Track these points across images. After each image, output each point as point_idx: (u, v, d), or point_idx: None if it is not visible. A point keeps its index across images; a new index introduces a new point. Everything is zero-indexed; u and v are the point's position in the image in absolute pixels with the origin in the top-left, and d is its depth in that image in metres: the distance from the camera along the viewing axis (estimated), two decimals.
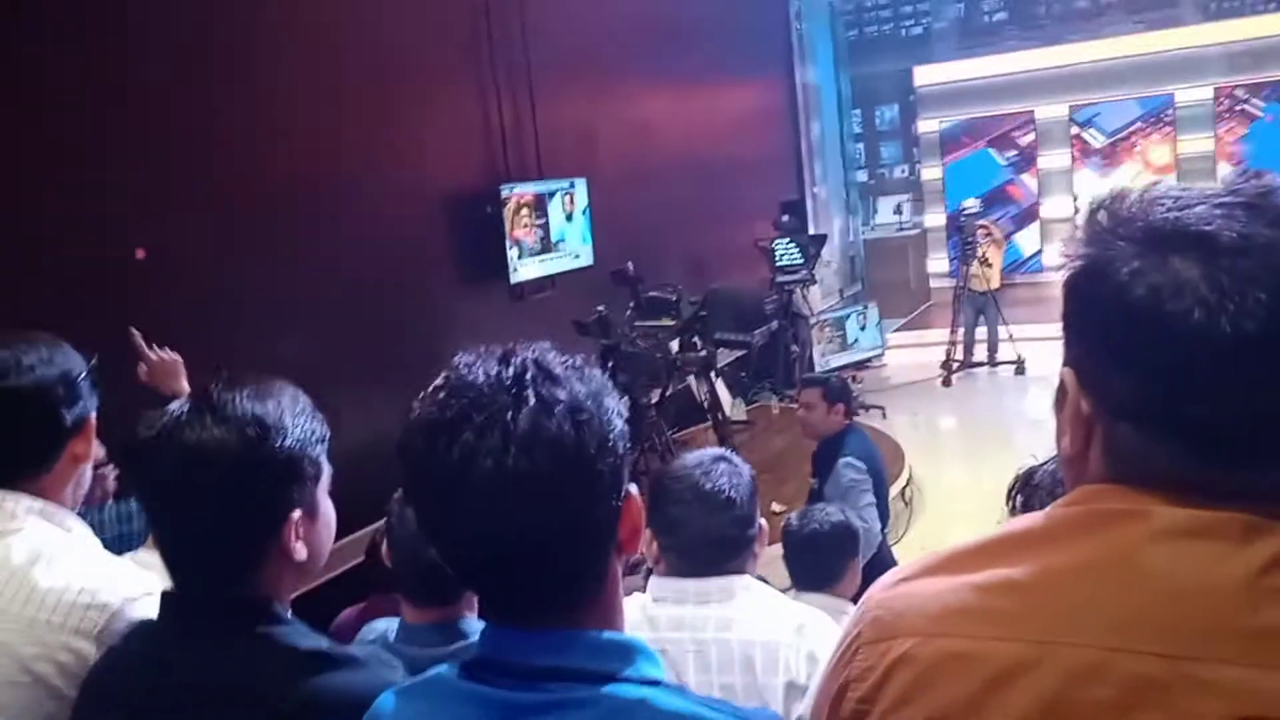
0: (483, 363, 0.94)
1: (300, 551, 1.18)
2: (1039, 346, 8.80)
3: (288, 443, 1.16)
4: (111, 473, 2.88)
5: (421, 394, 0.95)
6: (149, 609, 1.25)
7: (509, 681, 0.93)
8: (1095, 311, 0.83)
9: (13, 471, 1.38)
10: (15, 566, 1.31)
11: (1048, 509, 0.87)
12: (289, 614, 1.19)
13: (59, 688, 1.26)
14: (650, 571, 1.94)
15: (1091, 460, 0.86)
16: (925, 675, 0.83)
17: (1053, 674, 0.77)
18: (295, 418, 1.19)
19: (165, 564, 1.18)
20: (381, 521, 2.03)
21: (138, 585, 1.34)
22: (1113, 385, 0.82)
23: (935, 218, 12.88)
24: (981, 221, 9.65)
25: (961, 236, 9.55)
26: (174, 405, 1.15)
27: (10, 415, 1.36)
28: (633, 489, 0.98)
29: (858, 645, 0.90)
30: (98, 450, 2.72)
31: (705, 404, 6.69)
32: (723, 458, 1.89)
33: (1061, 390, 0.88)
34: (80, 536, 1.42)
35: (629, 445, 0.97)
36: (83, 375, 1.44)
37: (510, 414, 0.88)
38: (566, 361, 0.96)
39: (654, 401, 6.24)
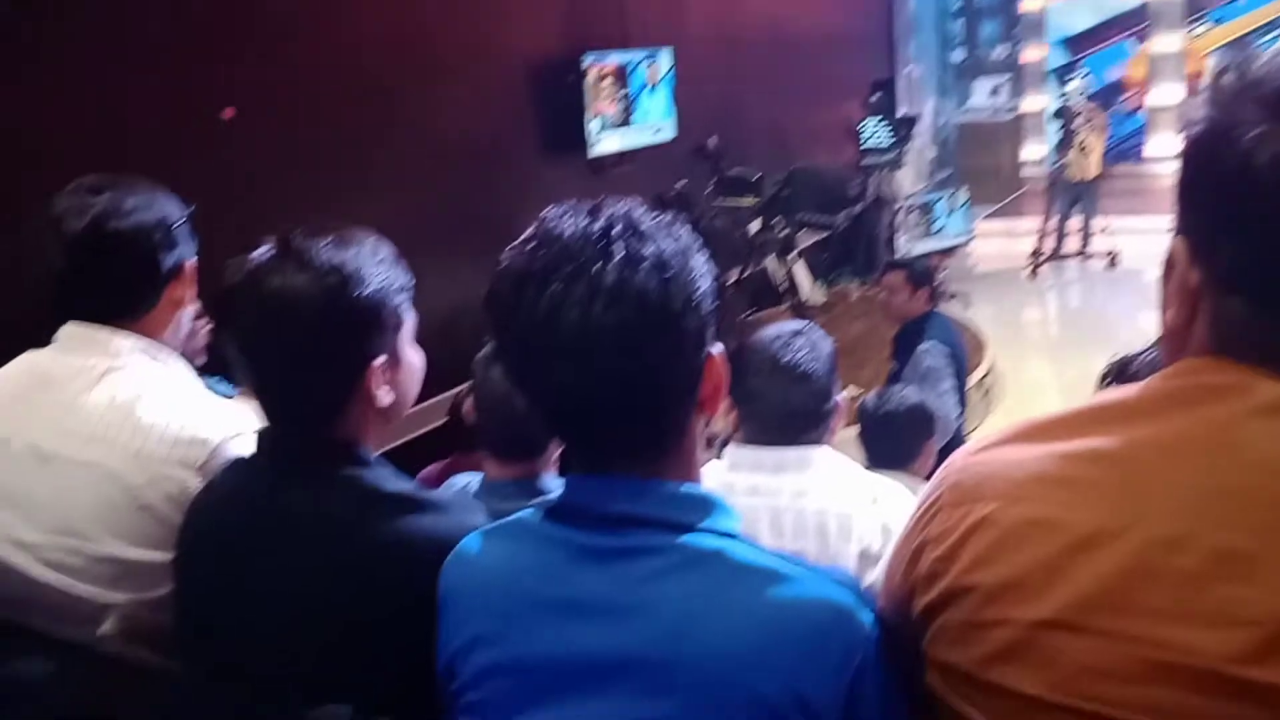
0: (572, 216, 0.94)
1: (384, 397, 1.21)
2: (1134, 239, 8.49)
3: (368, 291, 1.18)
4: (204, 326, 2.99)
5: (511, 245, 0.96)
6: (247, 446, 1.30)
7: (588, 526, 0.96)
8: (1213, 178, 0.79)
9: (116, 313, 1.44)
10: (122, 401, 1.37)
11: (1144, 382, 0.85)
12: (375, 457, 1.23)
13: (165, 514, 1.33)
14: (726, 444, 1.96)
15: (1195, 335, 0.83)
16: (1005, 539, 0.83)
17: (1134, 542, 0.76)
18: (375, 266, 1.20)
19: (258, 402, 1.22)
20: (465, 383, 2.07)
21: (237, 423, 1.40)
22: (1225, 256, 0.79)
23: (1034, 101, 12.33)
24: (1083, 106, 9.22)
25: (1061, 121, 9.15)
26: (257, 252, 1.18)
27: (111, 258, 1.41)
28: (717, 348, 0.99)
29: (937, 508, 0.91)
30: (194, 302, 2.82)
31: (783, 286, 6.64)
32: (802, 331, 1.89)
33: (1170, 261, 0.85)
34: (182, 376, 1.48)
35: (715, 303, 0.97)
36: (180, 221, 1.48)
37: (597, 266, 0.89)
38: (655, 218, 0.96)
39: (731, 281, 6.20)
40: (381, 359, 1.21)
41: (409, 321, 1.27)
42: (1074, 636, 0.77)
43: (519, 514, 1.05)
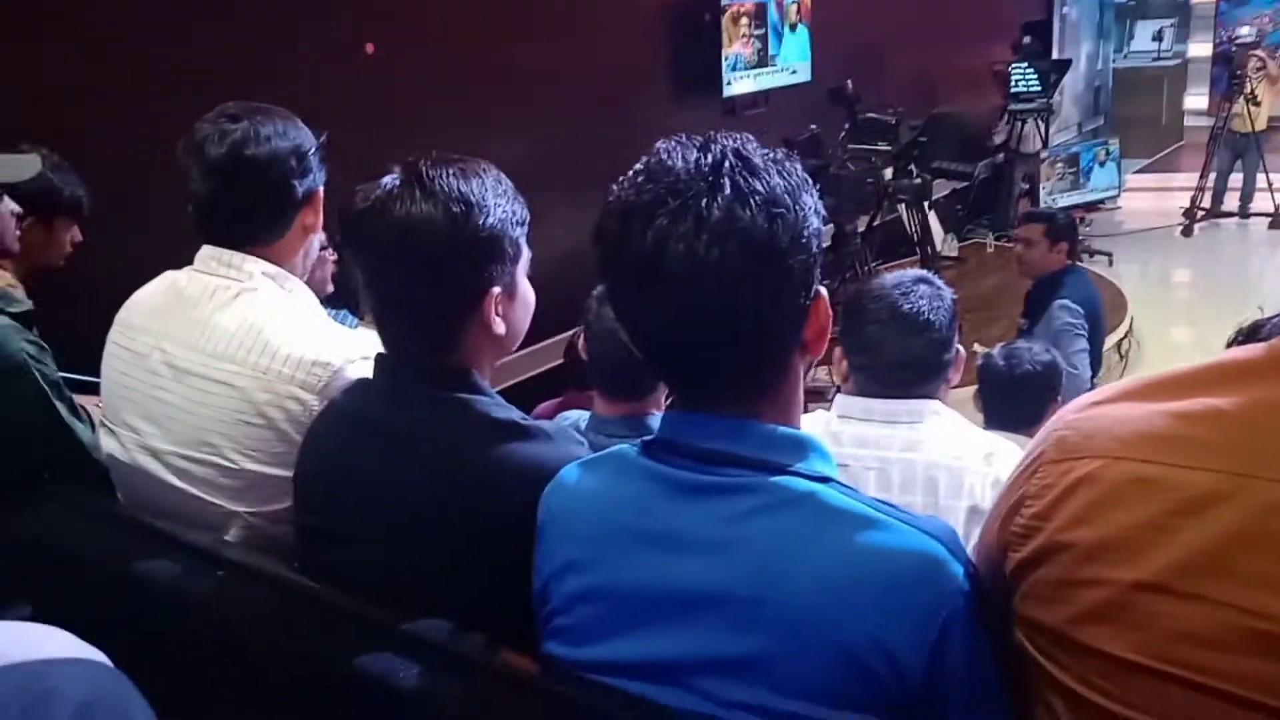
0: (683, 150, 0.93)
1: (499, 326, 1.24)
2: None
3: (490, 221, 1.20)
4: (331, 256, 3.10)
5: (622, 178, 0.96)
6: (366, 370, 1.35)
7: (684, 462, 0.97)
8: None
9: (248, 237, 1.50)
10: (252, 322, 1.44)
11: (1272, 340, 0.80)
12: (487, 385, 1.26)
13: (287, 431, 1.40)
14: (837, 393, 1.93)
15: None
16: (1106, 496, 0.80)
17: (1245, 507, 0.72)
18: (498, 198, 1.22)
19: (378, 329, 1.27)
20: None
21: (357, 349, 1.46)
22: None
23: (1200, 47, 11.54)
24: (1255, 51, 8.58)
25: (1229, 68, 8.54)
26: (386, 179, 1.21)
27: (247, 183, 1.47)
28: (823, 290, 0.97)
29: (1040, 463, 0.88)
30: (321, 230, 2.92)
31: (915, 236, 6.44)
32: (924, 279, 1.83)
33: None
34: (307, 302, 1.54)
35: (822, 245, 0.95)
36: (314, 150, 1.52)
37: (705, 201, 0.88)
38: (768, 154, 0.94)
39: (860, 230, 6.06)
40: (498, 289, 1.24)
41: (525, 255, 1.30)
42: (1172, 600, 0.74)
43: (619, 447, 1.06)
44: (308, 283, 1.60)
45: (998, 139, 7.88)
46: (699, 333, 0.92)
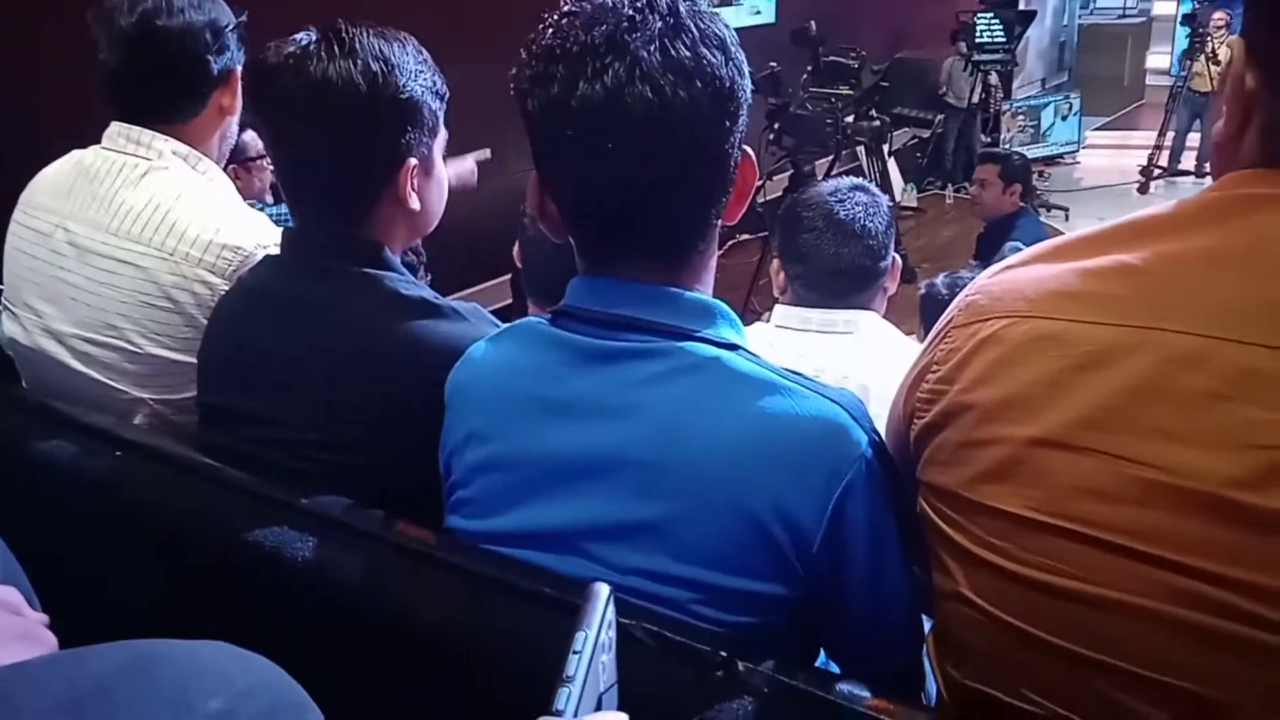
0: None
1: (413, 200, 1.19)
2: None
3: (411, 85, 1.15)
4: (269, 165, 3.00)
5: (546, 22, 0.90)
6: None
7: (590, 329, 0.93)
8: None
9: (159, 114, 1.43)
10: (159, 201, 1.38)
11: (1183, 198, 0.78)
12: (398, 262, 1.22)
13: (194, 316, 1.35)
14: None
15: (1245, 144, 0.76)
16: (1010, 354, 0.78)
17: (1148, 359, 0.70)
18: (419, 65, 1.17)
19: (286, 197, 1.21)
20: None
21: (270, 234, 1.40)
22: None
23: (1165, 5, 11.55)
24: (1219, 11, 8.59)
25: (1192, 27, 8.55)
26: (301, 35, 1.15)
27: (158, 57, 1.40)
28: (749, 150, 0.94)
29: (949, 329, 0.86)
30: (256, 143, 2.84)
31: (874, 183, 6.42)
32: (860, 187, 1.81)
33: (1228, 66, 0.77)
34: (220, 185, 1.48)
35: (750, 103, 0.91)
36: (231, 26, 1.45)
37: (669, 40, 0.84)
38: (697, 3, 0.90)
39: (819, 176, 6.02)
40: (414, 161, 1.19)
41: (442, 133, 1.25)
42: (1068, 455, 0.73)
43: (528, 318, 1.03)
44: (243, 192, 1.54)
45: (946, 89, 7.84)
46: (644, 183, 0.87)
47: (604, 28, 0.85)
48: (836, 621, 0.93)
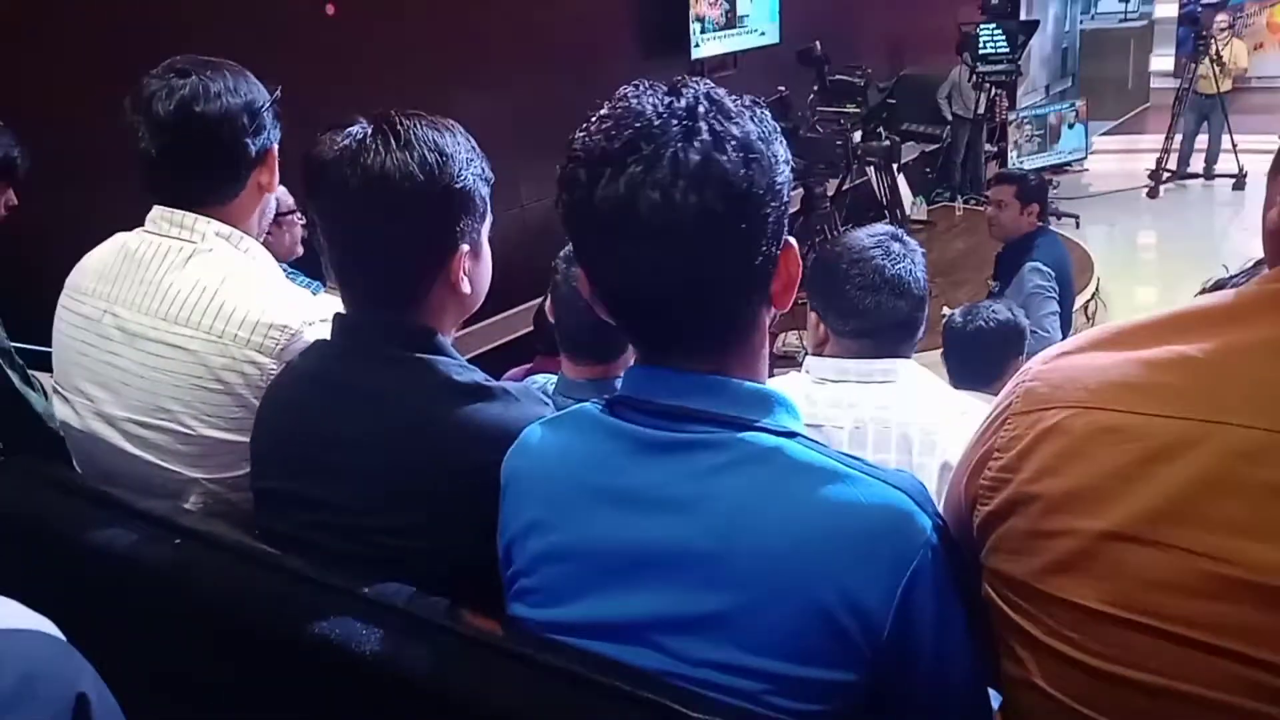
0: (651, 93, 0.90)
1: (465, 285, 1.21)
2: (1266, 160, 7.93)
3: (464, 174, 1.17)
4: (299, 221, 3.03)
5: (584, 124, 0.93)
6: (325, 334, 1.32)
7: (648, 419, 0.95)
8: None
9: (200, 197, 1.45)
10: (205, 284, 1.40)
11: (1239, 287, 0.79)
12: (450, 346, 1.24)
13: (244, 396, 1.37)
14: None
15: None
16: (1075, 446, 0.79)
17: (1214, 452, 0.72)
18: (469, 154, 1.20)
19: (340, 285, 1.23)
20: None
21: (315, 311, 1.42)
22: None
23: (1166, 8, 11.55)
24: (1222, 13, 8.60)
25: (1195, 29, 8.56)
26: (354, 128, 1.17)
27: (197, 143, 1.42)
28: (792, 241, 0.95)
29: (1008, 415, 0.87)
30: (286, 198, 2.87)
31: (884, 199, 6.44)
32: (897, 237, 1.82)
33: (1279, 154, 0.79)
34: (264, 263, 1.50)
35: (791, 194, 0.93)
36: (267, 106, 1.48)
37: (680, 146, 0.85)
38: (739, 99, 0.92)
39: (829, 194, 6.04)
40: (466, 247, 1.21)
41: (489, 218, 1.27)
42: (1140, 549, 0.74)
43: (581, 405, 1.04)
44: (274, 248, 1.56)
45: (946, 105, 7.85)
46: (671, 285, 0.89)
47: (628, 133, 0.87)
48: (905, 703, 0.94)
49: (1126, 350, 0.81)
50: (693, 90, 0.90)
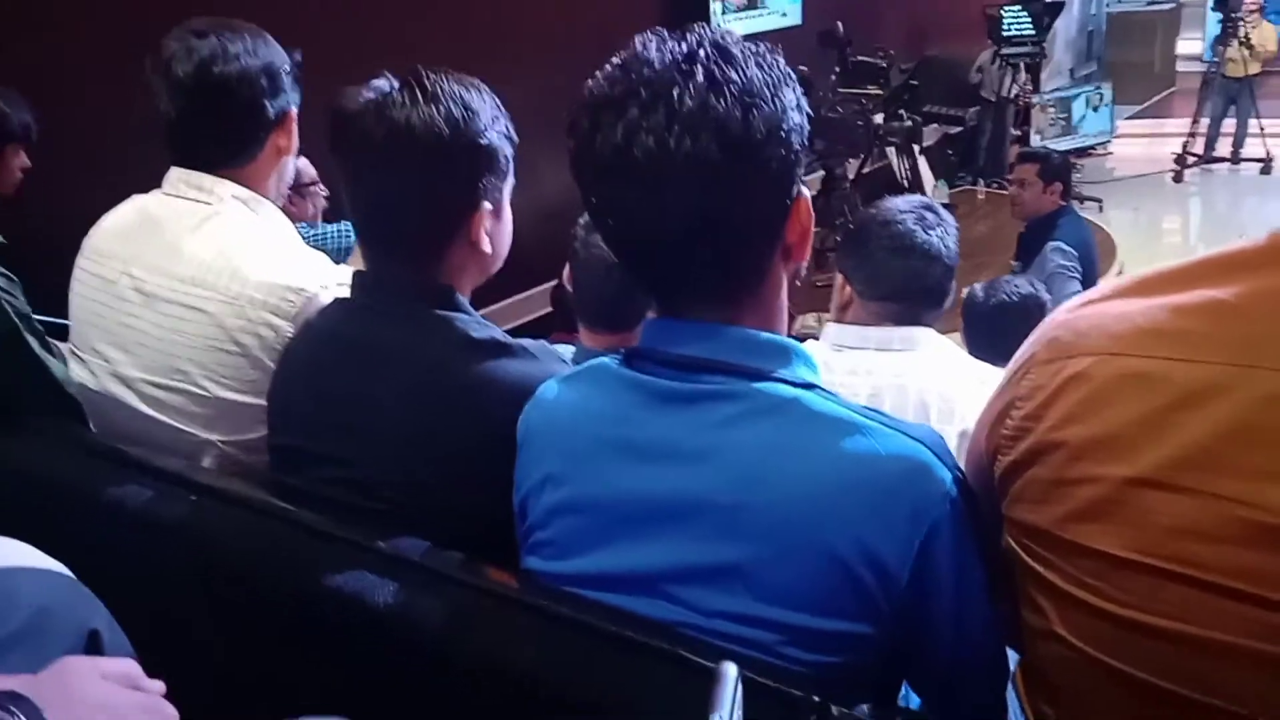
0: (659, 41, 0.89)
1: (485, 243, 1.21)
2: None
3: (489, 132, 1.17)
4: (321, 191, 3.03)
5: (596, 72, 0.92)
6: (341, 295, 1.31)
7: (664, 370, 0.94)
8: None
9: (218, 159, 1.45)
10: (222, 246, 1.39)
11: (1274, 230, 0.77)
12: (468, 304, 1.23)
13: (260, 358, 1.37)
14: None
15: None
16: (1099, 393, 0.77)
17: (1244, 398, 0.70)
18: (495, 111, 1.19)
19: (360, 241, 1.23)
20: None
21: (333, 275, 1.42)
22: None
23: None
24: None
25: (1224, 12, 8.43)
26: (380, 81, 1.16)
27: (216, 104, 1.42)
28: (805, 191, 0.94)
29: (1031, 365, 0.85)
30: (309, 169, 2.87)
31: (905, 182, 6.38)
32: (930, 207, 1.81)
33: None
34: (280, 227, 1.50)
35: (805, 142, 0.91)
36: (287, 68, 1.47)
37: (677, 91, 0.84)
38: (748, 46, 0.90)
39: (850, 176, 5.99)
40: (489, 205, 1.20)
41: (511, 180, 1.26)
42: (1168, 495, 0.72)
43: (600, 359, 1.03)
44: (296, 218, 1.56)
45: (978, 82, 7.76)
46: (671, 231, 0.88)
47: (631, 78, 0.87)
48: (922, 657, 0.93)
49: (1154, 296, 0.79)
50: (698, 36, 0.89)
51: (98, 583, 0.93)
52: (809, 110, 0.92)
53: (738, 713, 0.59)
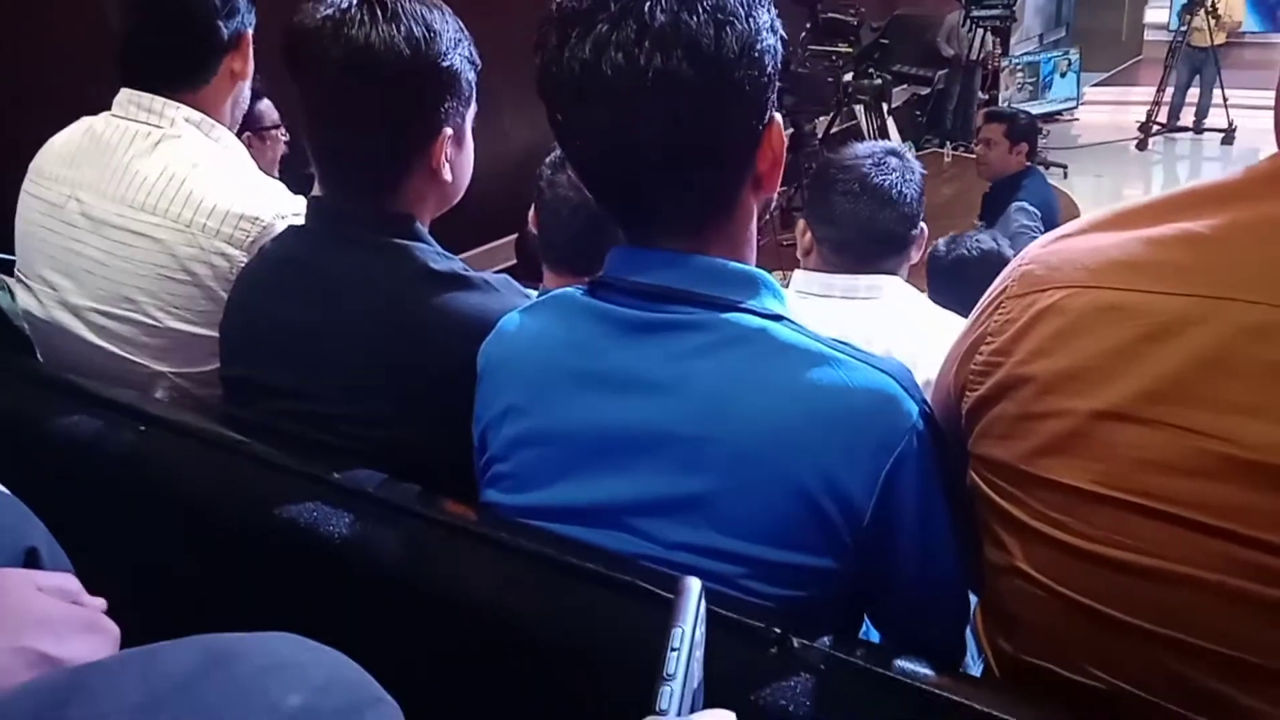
0: None
1: (446, 171, 1.17)
2: (1256, 116, 7.93)
3: (451, 55, 1.13)
4: (282, 136, 2.95)
5: None
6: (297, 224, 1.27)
7: (630, 300, 0.91)
8: None
9: (170, 80, 1.40)
10: (174, 171, 1.35)
11: (1250, 165, 0.77)
12: (428, 234, 1.20)
13: (213, 289, 1.33)
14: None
15: None
16: (1072, 325, 0.76)
17: (1217, 330, 0.69)
18: (458, 33, 1.15)
19: (316, 166, 1.18)
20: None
21: (290, 204, 1.38)
22: None
23: None
24: None
25: None
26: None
27: (167, 21, 1.37)
28: (777, 117, 0.91)
29: (1002, 299, 0.84)
30: (271, 112, 2.79)
31: (874, 140, 6.38)
32: (894, 152, 1.78)
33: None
34: (236, 153, 1.45)
35: (779, 65, 0.88)
36: None
37: (648, 6, 0.81)
38: None
39: (819, 135, 5.97)
40: (449, 131, 1.16)
41: (473, 105, 1.22)
42: (1134, 428, 0.71)
43: (564, 289, 1.01)
44: (257, 159, 1.51)
45: (945, 46, 7.75)
46: (639, 152, 0.85)
47: None
48: (884, 593, 0.92)
49: (1129, 230, 0.78)
50: None
51: (45, 513, 0.90)
52: (784, 35, 0.90)
53: (700, 628, 0.58)
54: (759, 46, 0.84)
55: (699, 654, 0.57)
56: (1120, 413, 0.72)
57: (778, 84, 0.90)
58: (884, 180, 1.71)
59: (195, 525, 1.12)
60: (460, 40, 1.15)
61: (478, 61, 1.20)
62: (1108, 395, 0.73)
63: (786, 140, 0.95)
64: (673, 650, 0.54)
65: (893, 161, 1.74)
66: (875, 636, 1.02)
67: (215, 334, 1.30)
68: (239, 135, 1.49)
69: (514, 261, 3.67)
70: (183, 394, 1.37)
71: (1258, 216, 0.72)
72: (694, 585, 0.58)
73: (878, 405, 0.85)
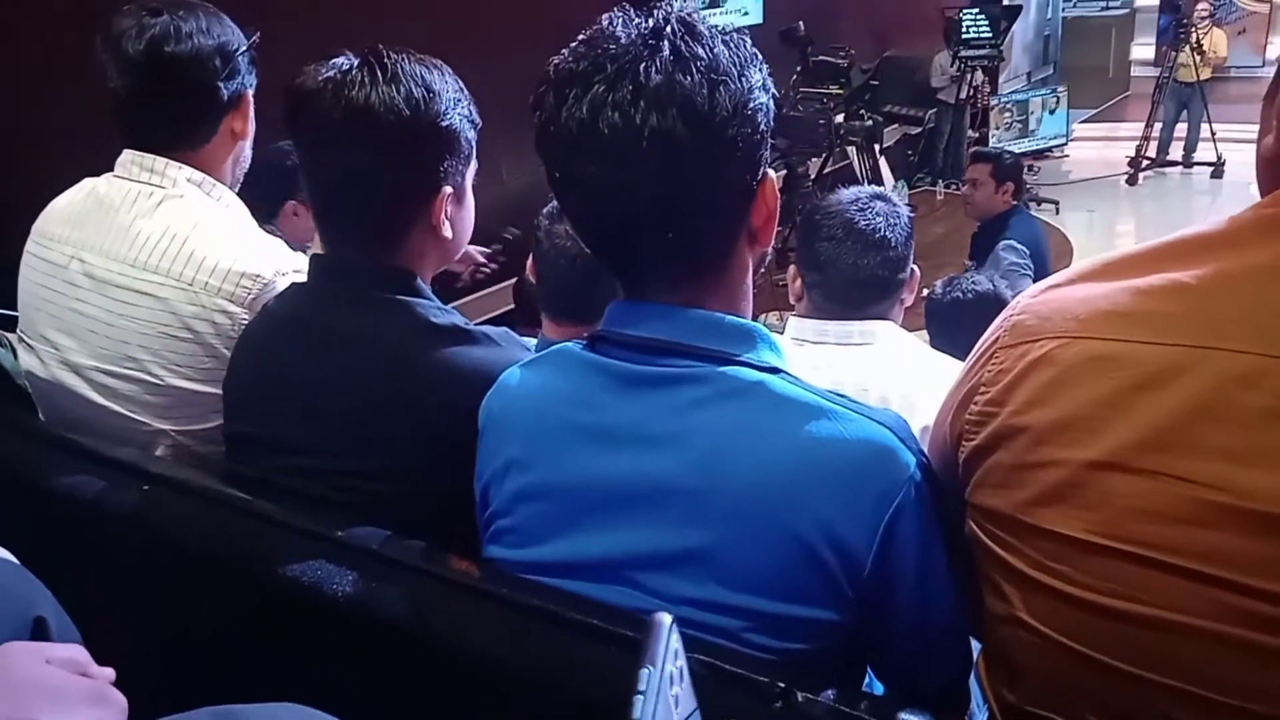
0: (625, 17, 0.88)
1: (446, 228, 1.19)
2: (1243, 149, 8.01)
3: (450, 114, 1.15)
4: None
5: (563, 49, 0.91)
6: (299, 281, 1.29)
7: (628, 354, 0.93)
8: None
9: (171, 141, 1.42)
10: (176, 230, 1.36)
11: (1233, 215, 0.78)
12: (428, 289, 1.21)
13: (215, 346, 1.34)
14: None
15: None
16: (1064, 375, 0.77)
17: (1205, 378, 0.70)
18: (457, 93, 1.17)
19: (317, 223, 1.20)
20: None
21: (290, 261, 1.39)
22: None
23: None
24: (1203, 1, 8.63)
25: (1175, 17, 8.58)
26: (340, 60, 1.13)
27: (167, 84, 1.38)
28: (771, 173, 0.93)
29: (994, 350, 0.85)
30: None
31: (866, 181, 6.43)
32: (880, 196, 1.80)
33: (1275, 80, 0.77)
34: (236, 211, 1.47)
35: (771, 123, 0.90)
36: (242, 50, 1.44)
37: (643, 66, 0.83)
38: (715, 26, 0.90)
39: (812, 175, 6.02)
40: (449, 189, 1.18)
41: (474, 163, 1.24)
42: (1128, 477, 0.72)
43: (564, 344, 1.02)
44: (292, 233, 1.52)
45: (936, 83, 7.84)
46: (634, 208, 0.87)
47: (596, 54, 0.86)
48: (886, 642, 0.93)
49: (1117, 280, 0.79)
50: (664, 13, 0.88)
51: (48, 574, 0.90)
52: (775, 93, 0.92)
53: (680, 661, 0.57)
54: (751, 105, 0.86)
55: (680, 688, 0.57)
56: (1113, 462, 0.73)
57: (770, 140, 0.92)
58: (868, 225, 1.72)
59: (198, 583, 1.13)
60: (460, 99, 1.17)
61: (478, 120, 1.22)
62: (1100, 445, 0.74)
63: (780, 182, 0.96)
64: (639, 694, 0.54)
65: (878, 205, 1.76)
66: (879, 688, 1.02)
67: (217, 391, 1.31)
68: (283, 202, 1.50)
69: (512, 306, 3.69)
70: (185, 452, 1.38)
71: (1243, 266, 0.73)
72: (664, 621, 0.58)
73: (875, 457, 0.86)
